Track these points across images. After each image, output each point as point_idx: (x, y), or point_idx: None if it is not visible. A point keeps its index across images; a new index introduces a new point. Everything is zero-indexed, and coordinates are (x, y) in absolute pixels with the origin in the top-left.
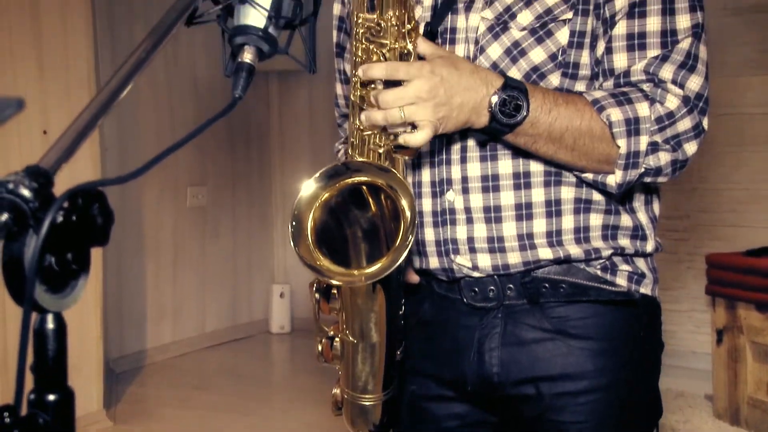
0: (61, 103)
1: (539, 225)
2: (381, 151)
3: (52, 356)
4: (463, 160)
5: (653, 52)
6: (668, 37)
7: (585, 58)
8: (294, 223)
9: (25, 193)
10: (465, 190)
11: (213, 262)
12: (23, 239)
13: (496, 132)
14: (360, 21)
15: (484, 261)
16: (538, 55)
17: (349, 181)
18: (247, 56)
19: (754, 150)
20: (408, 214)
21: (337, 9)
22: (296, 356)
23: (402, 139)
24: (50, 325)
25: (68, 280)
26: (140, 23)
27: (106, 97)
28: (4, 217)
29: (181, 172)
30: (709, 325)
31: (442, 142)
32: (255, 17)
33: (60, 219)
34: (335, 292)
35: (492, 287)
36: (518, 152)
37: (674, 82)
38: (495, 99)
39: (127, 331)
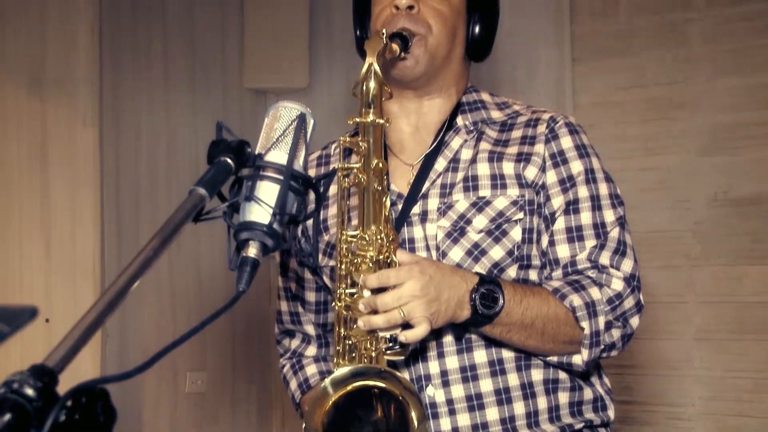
0: (65, 293)
1: (518, 408)
2: (373, 354)
3: None
4: (441, 355)
5: (591, 242)
6: (600, 229)
7: (534, 250)
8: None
9: (29, 392)
10: (445, 383)
11: None
12: None
13: (477, 324)
14: (344, 238)
15: None
16: (497, 252)
17: (370, 383)
18: (252, 251)
19: (757, 338)
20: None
21: None
22: None
23: (403, 336)
24: None
25: None
26: (146, 211)
27: (113, 295)
28: (7, 417)
29: (180, 357)
30: None
31: None
32: (260, 213)
33: (63, 418)
34: None
35: None
36: (491, 342)
37: (612, 266)
38: (476, 294)
39: None
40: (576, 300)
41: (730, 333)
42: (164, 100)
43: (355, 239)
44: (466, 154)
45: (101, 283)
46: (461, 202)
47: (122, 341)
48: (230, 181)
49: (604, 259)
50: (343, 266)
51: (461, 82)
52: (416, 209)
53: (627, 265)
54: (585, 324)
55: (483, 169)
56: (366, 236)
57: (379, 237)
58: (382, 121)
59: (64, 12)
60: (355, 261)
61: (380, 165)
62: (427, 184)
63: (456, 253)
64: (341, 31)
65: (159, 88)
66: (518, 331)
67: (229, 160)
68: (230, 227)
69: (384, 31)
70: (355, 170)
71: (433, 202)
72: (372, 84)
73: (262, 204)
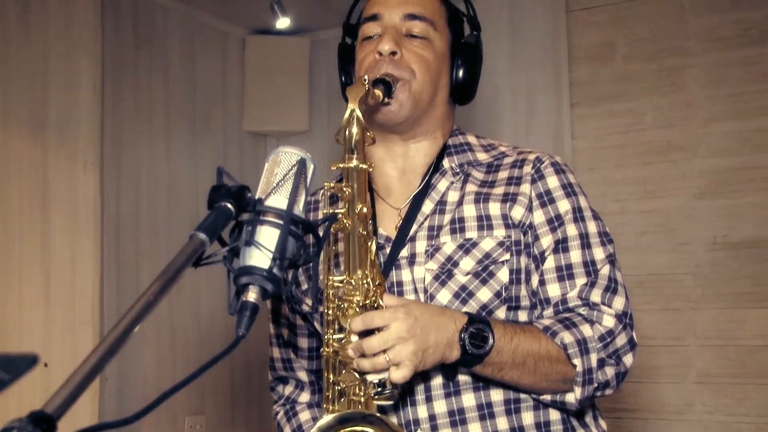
0: (65, 337)
1: None
2: (362, 399)
3: None
4: (429, 399)
5: (581, 280)
6: (590, 267)
7: (523, 291)
8: None
9: None
10: (434, 428)
11: None
12: None
13: (468, 364)
14: (330, 283)
15: None
16: (485, 294)
17: (358, 428)
18: (252, 296)
19: (759, 382)
20: None
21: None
22: None
23: (387, 375)
24: None
25: None
26: (146, 255)
27: (113, 341)
28: None
29: (178, 400)
30: None
31: (405, 384)
32: (260, 258)
33: None
34: None
35: None
36: (479, 385)
37: (603, 303)
38: (465, 333)
39: None
40: (567, 337)
41: (731, 377)
42: (165, 144)
43: (341, 284)
44: (452, 196)
45: (100, 327)
46: (448, 244)
47: (120, 384)
48: (230, 226)
49: (595, 296)
50: (330, 311)
51: (447, 124)
52: (404, 252)
53: (619, 303)
54: (577, 361)
55: (469, 210)
56: (352, 281)
57: (365, 282)
58: (365, 167)
59: (67, 58)
60: (342, 306)
61: (364, 210)
62: (414, 227)
63: (444, 296)
64: None
65: (160, 131)
66: (510, 370)
67: (229, 205)
68: (230, 272)
69: (366, 77)
70: (340, 215)
71: (421, 245)
72: (354, 130)
73: (262, 249)
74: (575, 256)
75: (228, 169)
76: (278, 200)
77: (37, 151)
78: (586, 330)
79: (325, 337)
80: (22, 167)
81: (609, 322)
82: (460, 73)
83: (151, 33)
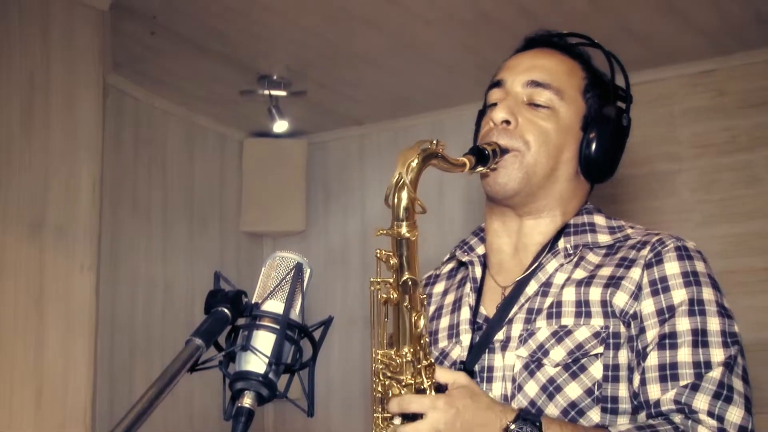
0: None
1: None
2: None
3: None
4: None
5: (684, 381)
6: (701, 369)
7: (623, 391)
8: None
9: None
10: None
11: None
12: None
13: None
14: (378, 357)
15: None
16: (574, 390)
17: None
18: (247, 401)
19: None
20: None
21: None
22: None
23: None
24: None
25: None
26: (141, 359)
27: None
28: None
29: None
30: None
31: None
32: (256, 363)
33: None
34: None
35: None
36: None
37: (710, 414)
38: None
39: None
40: None
41: None
42: (162, 245)
43: (387, 360)
44: (559, 279)
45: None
46: (543, 330)
47: None
48: (227, 330)
49: (699, 402)
50: (378, 387)
51: (572, 202)
52: (500, 335)
53: (733, 415)
54: None
55: (569, 294)
56: (397, 358)
57: (411, 359)
58: (409, 236)
59: (68, 159)
60: (386, 383)
61: (409, 282)
62: (514, 309)
63: (531, 388)
64: (337, 175)
65: (157, 232)
66: None
67: (226, 311)
68: (226, 377)
69: (419, 142)
70: (388, 285)
71: (517, 328)
72: (403, 196)
73: (258, 353)
74: (683, 354)
75: (224, 268)
76: (275, 305)
77: (33, 252)
78: None
79: (374, 415)
80: (18, 267)
81: None
82: (592, 147)
83: (151, 135)
